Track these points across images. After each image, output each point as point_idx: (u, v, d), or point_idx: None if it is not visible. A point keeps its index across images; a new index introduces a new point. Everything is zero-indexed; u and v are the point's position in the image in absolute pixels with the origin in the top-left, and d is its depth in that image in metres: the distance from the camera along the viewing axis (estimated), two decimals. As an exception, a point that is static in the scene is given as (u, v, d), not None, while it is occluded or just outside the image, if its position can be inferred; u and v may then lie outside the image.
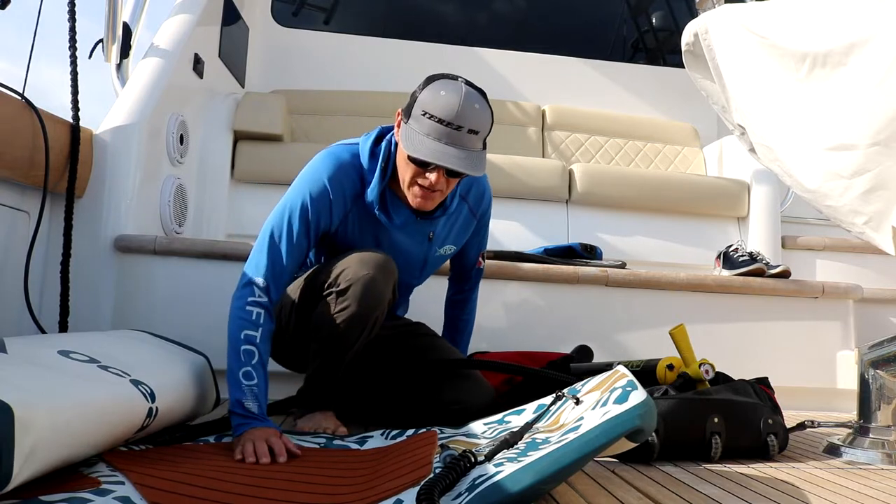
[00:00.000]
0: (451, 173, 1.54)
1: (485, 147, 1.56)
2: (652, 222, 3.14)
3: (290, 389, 1.78)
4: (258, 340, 1.49)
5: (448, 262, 1.95)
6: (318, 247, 1.72)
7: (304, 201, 1.60)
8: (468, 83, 1.54)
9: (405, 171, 1.57)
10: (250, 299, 1.52)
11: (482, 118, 1.51)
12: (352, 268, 1.56)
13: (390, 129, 1.66)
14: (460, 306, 2.01)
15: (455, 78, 1.55)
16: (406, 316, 2.00)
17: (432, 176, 1.53)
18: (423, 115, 1.49)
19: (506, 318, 2.12)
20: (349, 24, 4.03)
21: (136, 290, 2.17)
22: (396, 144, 1.60)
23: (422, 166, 1.53)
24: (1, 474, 0.91)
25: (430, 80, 1.55)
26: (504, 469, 1.04)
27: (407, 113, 1.55)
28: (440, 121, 1.47)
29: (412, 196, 1.58)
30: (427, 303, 2.02)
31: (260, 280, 1.54)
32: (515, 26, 4.21)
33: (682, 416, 1.51)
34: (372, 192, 1.62)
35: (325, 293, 1.60)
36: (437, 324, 2.02)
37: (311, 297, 1.66)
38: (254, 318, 1.50)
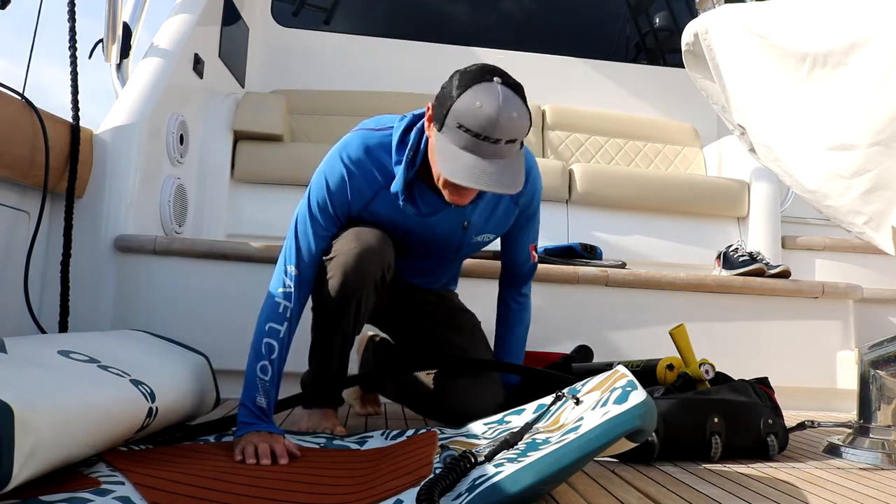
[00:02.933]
0: None
1: (522, 145, 1.48)
2: (652, 222, 3.14)
3: (293, 388, 1.77)
4: (280, 336, 1.50)
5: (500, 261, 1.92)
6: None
7: (321, 190, 1.60)
8: (505, 83, 1.42)
9: (437, 174, 1.49)
10: (280, 290, 1.53)
11: (520, 126, 1.41)
12: (344, 239, 1.59)
13: (422, 115, 1.58)
14: (515, 318, 1.89)
15: (490, 78, 1.42)
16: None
17: (465, 190, 1.49)
18: (459, 127, 1.39)
19: (506, 318, 2.12)
20: (349, 24, 4.03)
21: (136, 290, 2.17)
22: (425, 137, 1.55)
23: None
24: (1, 474, 0.91)
25: (465, 83, 1.42)
26: (504, 469, 1.04)
27: (440, 119, 1.44)
28: (476, 135, 1.38)
29: (447, 194, 1.51)
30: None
31: (291, 268, 1.55)
32: (516, 26, 4.21)
33: (682, 416, 1.51)
34: (396, 184, 1.57)
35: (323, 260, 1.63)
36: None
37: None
38: (280, 310, 1.52)
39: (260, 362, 1.47)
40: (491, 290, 1.95)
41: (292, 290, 1.53)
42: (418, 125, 1.58)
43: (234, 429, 1.46)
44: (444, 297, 1.94)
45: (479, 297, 1.99)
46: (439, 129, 1.45)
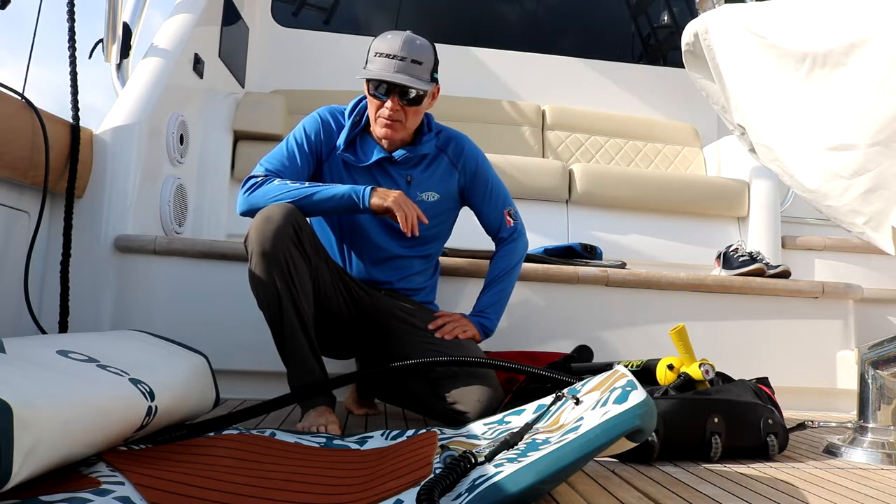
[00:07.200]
0: (403, 99, 1.78)
1: (434, 80, 1.83)
2: (652, 222, 3.14)
3: (285, 388, 1.77)
4: (277, 180, 1.76)
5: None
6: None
7: (300, 131, 1.88)
8: (413, 34, 1.80)
9: (371, 110, 1.83)
10: (249, 182, 1.77)
11: (424, 51, 1.78)
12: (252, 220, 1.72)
13: None
14: (493, 259, 2.02)
15: (402, 31, 1.81)
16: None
17: (388, 104, 1.77)
18: (375, 55, 1.78)
19: (506, 318, 2.12)
20: (349, 24, 4.03)
21: (136, 290, 2.17)
22: (367, 101, 1.87)
23: (375, 88, 1.78)
24: (1, 472, 0.91)
25: (381, 34, 1.82)
26: (504, 469, 1.04)
27: (364, 63, 1.81)
28: (387, 55, 1.75)
29: (378, 128, 1.83)
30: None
31: (260, 170, 1.81)
32: (516, 26, 4.21)
33: (682, 416, 1.51)
34: (341, 138, 1.88)
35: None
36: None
37: None
38: (260, 180, 1.77)
39: (294, 192, 1.71)
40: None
41: (261, 173, 1.80)
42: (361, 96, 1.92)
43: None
44: (424, 310, 1.96)
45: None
46: (364, 68, 1.80)
